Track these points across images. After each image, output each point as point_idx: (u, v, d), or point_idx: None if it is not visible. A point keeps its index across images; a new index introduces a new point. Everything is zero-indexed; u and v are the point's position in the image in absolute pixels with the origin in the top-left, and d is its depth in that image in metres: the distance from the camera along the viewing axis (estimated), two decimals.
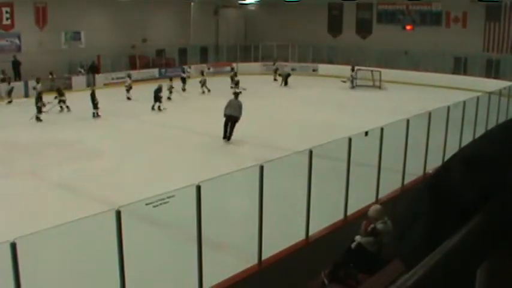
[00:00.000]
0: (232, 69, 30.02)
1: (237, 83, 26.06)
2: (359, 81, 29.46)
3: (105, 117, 20.52)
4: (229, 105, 16.64)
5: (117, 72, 29.61)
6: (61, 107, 21.44)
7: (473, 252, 0.77)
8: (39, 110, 19.69)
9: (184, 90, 26.66)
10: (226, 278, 6.49)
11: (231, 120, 16.38)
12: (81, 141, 16.60)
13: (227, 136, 16.45)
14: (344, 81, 28.88)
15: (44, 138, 16.85)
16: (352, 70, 29.38)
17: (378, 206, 7.35)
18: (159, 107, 21.76)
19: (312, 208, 7.57)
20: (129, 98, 24.36)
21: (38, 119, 19.56)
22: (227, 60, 35.24)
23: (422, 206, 0.88)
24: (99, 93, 22.12)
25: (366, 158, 9.72)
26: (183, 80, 27.45)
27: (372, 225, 6.94)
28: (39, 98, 19.91)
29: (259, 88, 28.05)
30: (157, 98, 21.71)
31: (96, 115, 20.54)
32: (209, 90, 26.42)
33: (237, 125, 19.37)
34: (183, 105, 23.38)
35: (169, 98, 23.87)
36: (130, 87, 24.52)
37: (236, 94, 17.39)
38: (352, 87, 29.00)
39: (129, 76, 25.59)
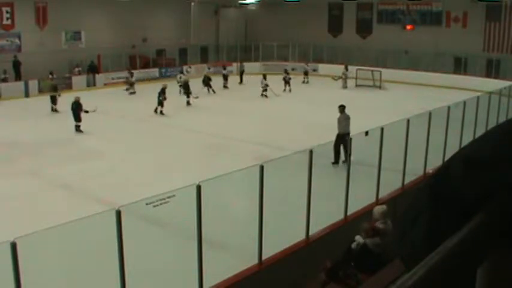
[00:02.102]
0: (286, 71, 28.10)
1: (288, 81, 27.09)
2: (359, 81, 29.46)
3: (106, 117, 20.51)
4: (343, 121, 13.71)
5: (117, 72, 29.63)
6: None
7: (473, 252, 0.77)
8: None
9: (226, 87, 28.50)
10: (226, 278, 6.49)
11: (345, 138, 13.05)
12: (82, 141, 16.61)
13: (347, 156, 12.50)
14: (335, 79, 28.82)
15: (44, 138, 16.84)
16: (346, 69, 29.36)
17: (382, 207, 7.34)
18: (161, 111, 21.04)
19: (312, 208, 7.57)
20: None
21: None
22: (227, 60, 35.25)
23: (422, 206, 0.88)
24: (99, 93, 22.14)
25: (366, 158, 9.73)
26: (225, 77, 28.76)
27: (376, 226, 6.94)
28: None
29: (259, 88, 28.04)
30: (159, 101, 21.11)
31: (188, 103, 22.47)
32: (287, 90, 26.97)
33: (238, 125, 19.41)
34: (189, 104, 23.36)
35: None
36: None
37: (342, 107, 14.12)
38: (345, 87, 28.97)
39: (183, 72, 28.12)
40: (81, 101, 17.98)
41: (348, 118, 13.79)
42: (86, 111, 17.77)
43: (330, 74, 30.44)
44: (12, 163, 14.19)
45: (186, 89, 23.09)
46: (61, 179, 12.74)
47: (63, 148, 15.77)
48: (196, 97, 23.02)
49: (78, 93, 24.03)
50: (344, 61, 31.39)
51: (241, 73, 31.04)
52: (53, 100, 21.64)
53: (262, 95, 25.49)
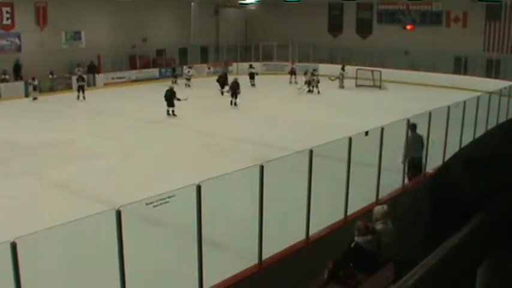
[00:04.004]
0: (313, 74, 27.83)
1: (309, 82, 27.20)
2: (359, 81, 29.46)
3: (106, 117, 20.54)
4: (411, 142, 10.87)
5: (117, 72, 29.63)
6: None
7: (473, 252, 0.77)
8: None
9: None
10: (226, 278, 6.49)
11: (418, 166, 10.88)
12: (81, 141, 16.60)
13: None
14: (332, 80, 28.80)
15: (43, 138, 16.85)
16: (343, 69, 29.38)
17: (382, 207, 7.33)
18: (235, 102, 22.90)
19: (312, 208, 7.56)
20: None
21: None
22: (227, 60, 35.25)
23: (422, 206, 0.88)
24: (99, 93, 22.08)
25: (366, 158, 9.72)
26: (252, 76, 29.08)
27: (360, 225, 6.95)
28: None
29: (259, 88, 28.06)
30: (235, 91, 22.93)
31: (235, 104, 23.11)
32: (318, 92, 26.92)
33: (239, 125, 19.36)
34: (191, 104, 23.36)
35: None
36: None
37: (413, 125, 11.06)
38: (342, 87, 29.00)
39: (191, 67, 30.11)
40: None
41: (420, 139, 11.08)
42: (178, 99, 20.18)
43: (330, 74, 30.39)
44: (12, 163, 14.19)
45: (235, 88, 23.35)
46: (61, 179, 12.75)
47: (63, 148, 15.77)
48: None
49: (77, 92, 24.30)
50: (344, 61, 31.39)
51: (225, 75, 28.02)
52: (82, 89, 24.51)
53: (309, 91, 26.82)
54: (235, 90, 22.98)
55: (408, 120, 10.19)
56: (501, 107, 14.97)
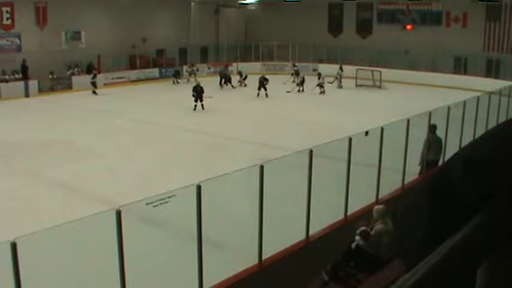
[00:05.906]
0: (320, 76, 27.67)
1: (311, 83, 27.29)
2: (359, 81, 29.46)
3: (106, 117, 20.54)
4: (429, 145, 10.73)
5: (117, 72, 29.63)
6: None
7: (474, 252, 0.77)
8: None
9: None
10: (226, 278, 6.49)
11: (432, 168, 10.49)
12: (81, 141, 16.60)
13: None
14: (330, 82, 28.77)
15: (43, 138, 16.84)
16: (341, 69, 29.37)
17: (379, 207, 7.34)
18: (266, 94, 25.22)
19: (312, 208, 7.56)
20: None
21: None
22: (227, 60, 35.25)
23: (422, 206, 0.88)
24: (99, 93, 21.93)
25: (366, 158, 9.71)
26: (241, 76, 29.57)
27: (362, 228, 6.98)
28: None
29: (256, 89, 28.00)
30: (262, 84, 25.22)
31: (266, 95, 25.30)
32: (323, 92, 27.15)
33: (238, 125, 19.35)
34: (190, 104, 23.37)
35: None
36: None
37: (433, 127, 10.90)
38: (340, 87, 29.00)
39: (194, 65, 31.31)
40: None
41: (439, 141, 10.93)
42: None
43: (330, 74, 30.35)
44: (12, 163, 14.18)
45: (262, 83, 25.45)
46: (61, 179, 12.74)
47: (63, 148, 15.77)
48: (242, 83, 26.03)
49: (81, 92, 24.26)
50: (343, 61, 31.38)
51: (226, 77, 29.13)
52: (94, 85, 26.13)
53: (300, 90, 27.26)
54: (263, 84, 25.36)
55: (408, 120, 10.18)
56: (501, 107, 14.97)
